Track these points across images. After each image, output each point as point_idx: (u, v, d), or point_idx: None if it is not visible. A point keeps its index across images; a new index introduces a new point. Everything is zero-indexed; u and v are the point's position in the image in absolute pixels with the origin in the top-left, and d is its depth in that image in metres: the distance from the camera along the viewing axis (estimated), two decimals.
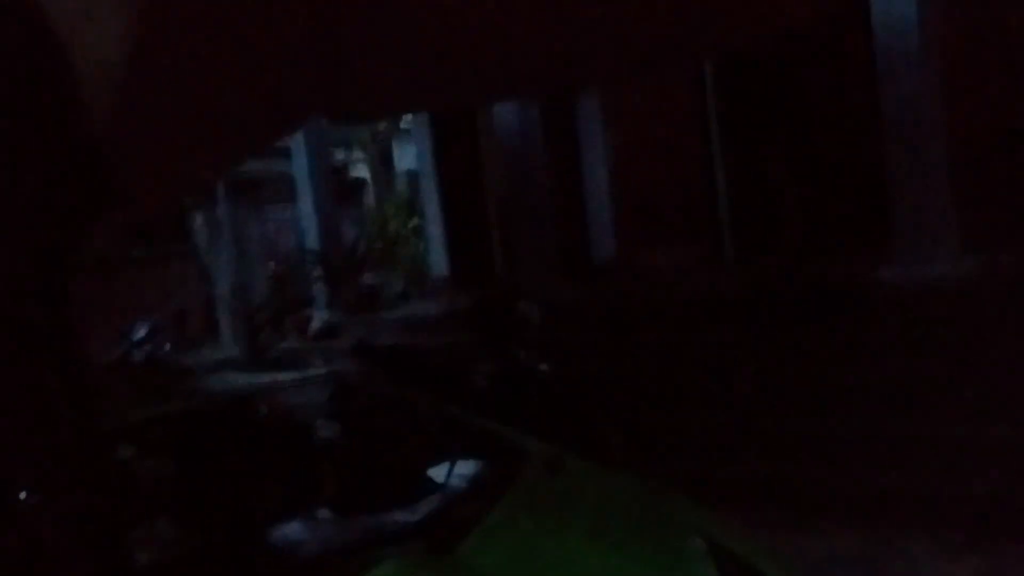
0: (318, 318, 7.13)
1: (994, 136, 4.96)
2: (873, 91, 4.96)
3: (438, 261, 7.84)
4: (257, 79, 1.99)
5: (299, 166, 8.01)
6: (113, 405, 3.29)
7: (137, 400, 3.57)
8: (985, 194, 4.93)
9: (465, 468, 2.88)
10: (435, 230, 7.89)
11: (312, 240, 7.76)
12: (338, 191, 8.96)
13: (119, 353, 6.99)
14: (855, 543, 3.82)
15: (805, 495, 4.10)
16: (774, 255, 5.91)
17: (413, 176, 9.17)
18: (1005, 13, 4.90)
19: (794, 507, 4.01)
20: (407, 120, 9.23)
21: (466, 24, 2.19)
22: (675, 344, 5.16)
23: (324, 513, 2.65)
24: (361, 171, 11.58)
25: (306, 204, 7.89)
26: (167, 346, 7.29)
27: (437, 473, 2.86)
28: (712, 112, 6.40)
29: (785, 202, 6.00)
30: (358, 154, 11.39)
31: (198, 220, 7.89)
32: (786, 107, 6.03)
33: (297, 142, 7.93)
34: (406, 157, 10.16)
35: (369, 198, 10.81)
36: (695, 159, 6.52)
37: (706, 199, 6.49)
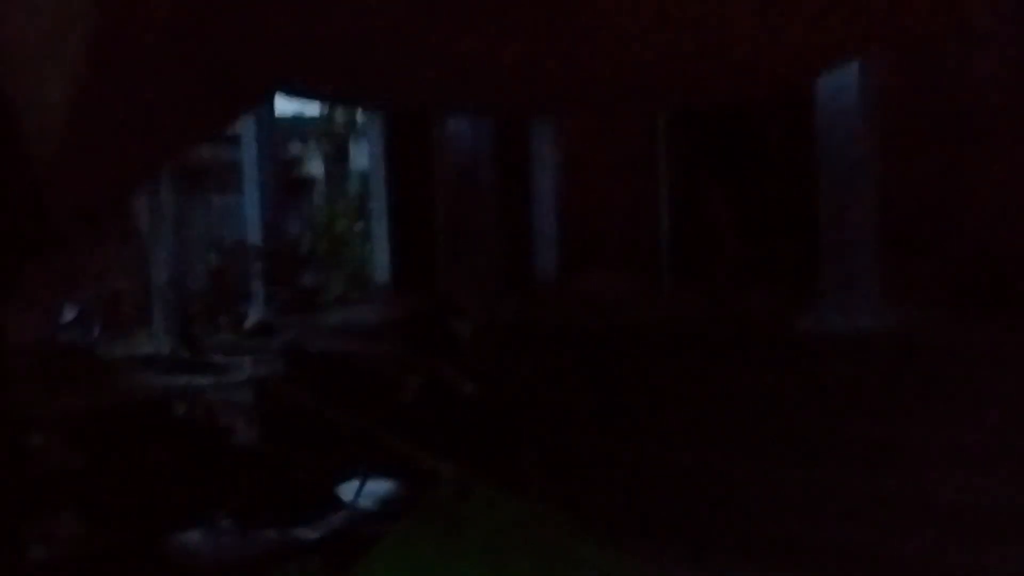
0: (253, 315, 7.06)
1: (926, 193, 5.15)
2: (816, 145, 5.12)
3: (381, 267, 7.82)
4: (195, 63, 1.98)
5: (248, 156, 7.93)
6: (30, 391, 3.24)
7: (55, 388, 3.51)
8: (912, 250, 5.11)
9: (373, 487, 2.91)
10: (380, 234, 7.87)
11: (255, 234, 7.69)
12: (287, 185, 8.88)
13: (45, 334, 6.84)
14: None
15: (713, 532, 4.19)
16: (707, 291, 6.04)
17: (366, 177, 9.14)
18: (944, 75, 5.09)
19: (702, 544, 4.09)
20: (363, 118, 9.20)
21: (430, 27, 2.20)
22: (607, 371, 5.23)
23: (227, 523, 2.65)
24: (315, 167, 11.49)
25: (252, 196, 7.82)
26: (96, 331, 7.16)
27: (345, 490, 2.88)
28: (661, 143, 6.52)
29: (722, 240, 6.13)
30: (313, 149, 11.31)
31: (140, 203, 7.77)
32: (732, 148, 6.17)
33: (248, 131, 7.85)
34: (361, 157, 10.12)
35: (319, 195, 10.74)
36: (641, 188, 6.63)
37: (649, 228, 6.60)
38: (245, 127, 7.87)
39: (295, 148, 10.99)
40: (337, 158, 11.04)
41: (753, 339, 4.92)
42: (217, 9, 1.89)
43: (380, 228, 7.95)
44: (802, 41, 2.51)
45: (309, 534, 2.49)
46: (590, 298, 6.68)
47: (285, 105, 9.00)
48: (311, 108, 10.47)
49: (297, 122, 10.73)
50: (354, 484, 2.94)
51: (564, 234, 7.12)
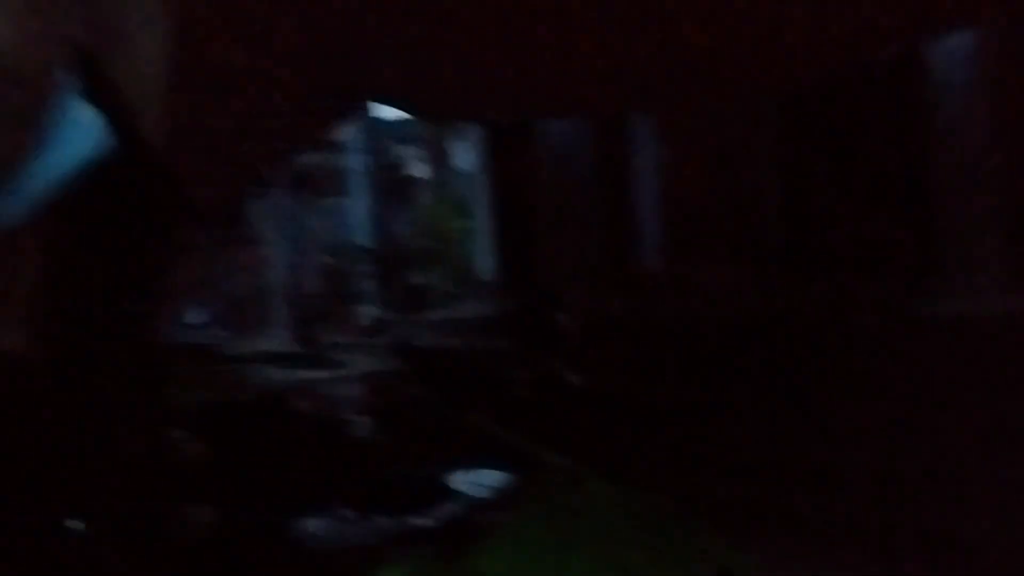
0: (366, 314, 7.27)
1: None
2: (930, 124, 4.92)
3: (485, 263, 7.92)
4: (299, 72, 2.07)
5: (354, 161, 8.17)
6: (165, 388, 3.44)
7: (187, 385, 3.70)
8: None
9: (485, 478, 2.96)
10: (484, 232, 7.98)
11: (363, 235, 7.90)
12: (393, 187, 9.10)
13: (174, 335, 7.21)
14: None
15: (834, 525, 4.10)
16: (819, 280, 5.88)
17: (469, 176, 9.28)
18: None
19: (824, 537, 4.01)
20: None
21: (527, 39, 2.24)
22: (715, 363, 5.17)
23: (345, 511, 2.75)
24: (419, 168, 11.72)
25: (359, 199, 8.04)
26: (219, 330, 7.51)
27: (457, 480, 2.94)
28: (769, 129, 6.39)
29: (834, 228, 5.96)
30: (416, 151, 11.54)
31: (257, 209, 8.10)
32: (843, 131, 5.99)
33: (353, 137, 8.08)
34: (464, 156, 10.27)
35: (424, 196, 10.96)
36: (748, 176, 6.51)
37: (757, 217, 6.47)
38: (350, 132, 8.10)
39: (399, 150, 11.24)
40: (440, 159, 11.24)
41: (870, 326, 4.78)
42: (328, 27, 1.97)
43: (484, 226, 8.06)
44: (905, 8, 2.43)
45: (423, 522, 2.57)
46: (697, 290, 6.60)
47: (387, 109, 9.22)
48: None
49: (400, 125, 10.98)
50: (466, 474, 3.01)
51: (668, 226, 7.06)
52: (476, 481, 2.96)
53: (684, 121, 6.78)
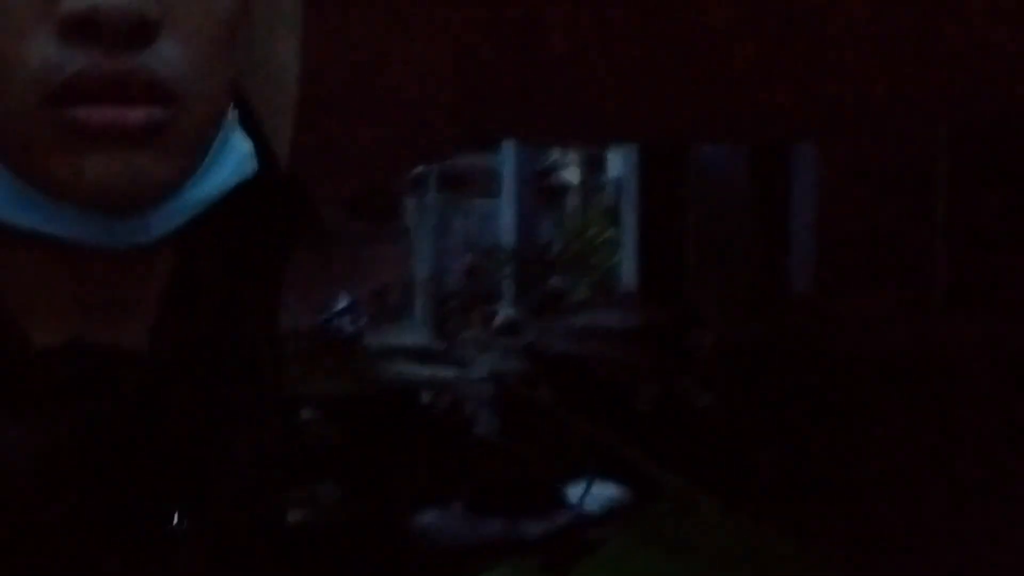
0: (502, 314, 7.36)
1: None
2: None
3: (629, 274, 7.86)
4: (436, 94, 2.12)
5: (506, 163, 8.28)
6: (301, 372, 3.60)
7: (323, 371, 3.86)
8: None
9: (600, 491, 2.95)
10: (630, 241, 7.91)
11: (510, 237, 8.00)
12: (543, 191, 9.16)
13: (320, 321, 7.54)
14: None
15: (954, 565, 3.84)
16: (978, 319, 5.50)
17: (620, 185, 9.23)
18: None
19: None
20: None
21: (688, 64, 2.21)
22: (854, 395, 4.92)
23: (459, 508, 2.80)
24: (571, 174, 11.77)
25: (508, 201, 8.15)
26: (363, 320, 7.79)
27: (571, 491, 2.94)
28: (939, 158, 6.03)
29: (1004, 257, 5.56)
30: (570, 157, 11.59)
31: (408, 205, 8.36)
32: (1014, 167, 5.58)
33: (507, 139, 8.19)
34: (617, 164, 10.23)
35: (574, 202, 10.98)
36: (913, 204, 6.17)
37: (921, 247, 6.13)
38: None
39: (552, 154, 11.31)
40: (593, 166, 11.24)
41: None
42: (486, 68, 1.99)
43: (631, 235, 7.99)
44: None
45: (533, 529, 2.58)
46: (849, 319, 6.30)
47: None
48: None
49: None
50: (581, 486, 3.00)
51: (823, 251, 6.78)
52: (590, 494, 2.95)
53: (847, 148, 6.50)
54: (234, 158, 0.58)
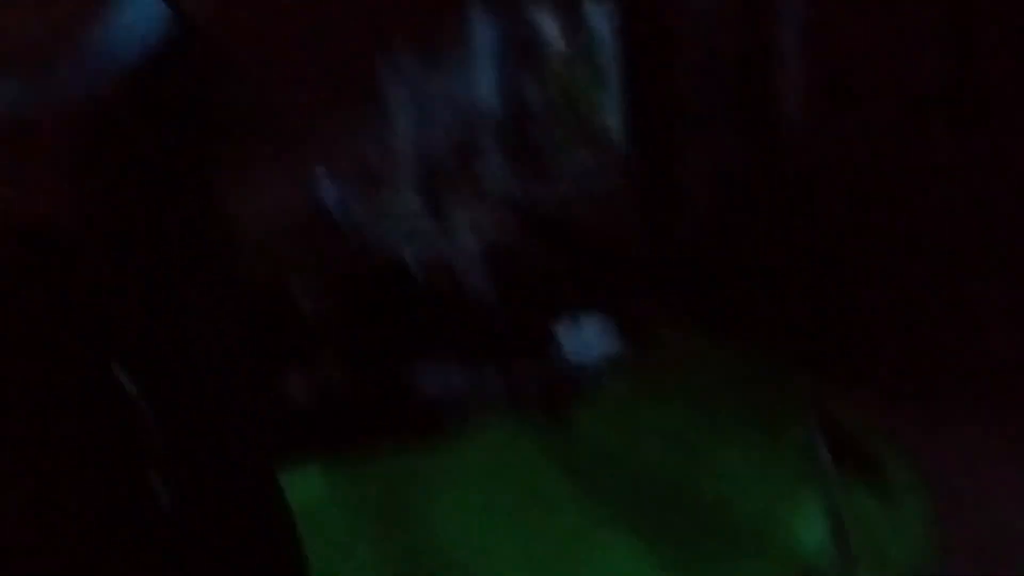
0: (492, 181, 7.27)
1: None
2: None
3: (616, 133, 7.71)
4: None
5: (486, 25, 7.99)
6: (293, 254, 3.58)
7: (316, 250, 3.81)
8: None
9: (594, 340, 2.94)
10: (614, 100, 7.73)
11: (494, 101, 7.81)
12: (524, 52, 8.88)
13: (301, 197, 7.46)
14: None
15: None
16: (982, 136, 5.38)
17: (603, 41, 8.94)
18: None
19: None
20: None
21: None
22: (860, 223, 4.82)
23: (453, 361, 2.80)
24: (552, 31, 11.41)
25: (487, 61, 7.90)
26: (350, 197, 7.71)
27: (565, 337, 2.93)
28: None
29: (997, 80, 5.40)
30: (549, 14, 11.20)
31: (385, 75, 8.12)
32: None
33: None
34: (599, 19, 9.89)
35: (558, 62, 10.69)
36: (908, 21, 5.91)
37: (911, 68, 5.93)
38: None
39: (532, 13, 10.93)
40: (574, 21, 10.88)
41: None
42: None
43: (614, 95, 7.80)
44: None
45: (528, 378, 2.60)
46: (840, 141, 6.18)
47: None
48: None
49: None
50: (576, 335, 3.01)
51: (813, 73, 6.58)
52: (585, 343, 2.96)
53: None
54: (142, 15, 0.55)
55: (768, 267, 4.25)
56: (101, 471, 0.54)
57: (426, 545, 1.94)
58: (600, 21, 9.48)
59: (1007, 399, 3.81)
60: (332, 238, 4.22)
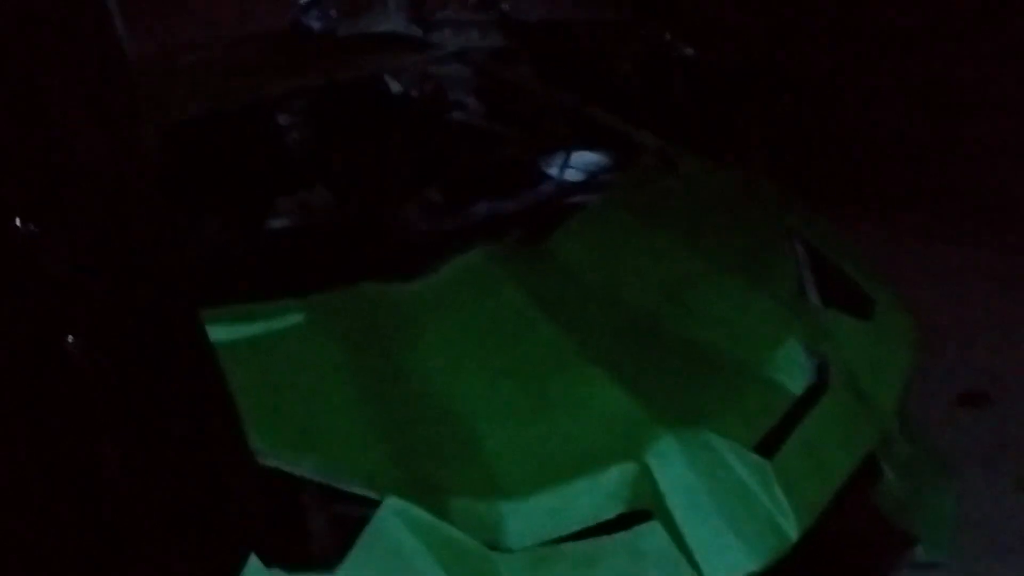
0: None
1: None
2: None
3: None
4: None
5: None
6: (271, 70, 3.41)
7: (296, 68, 3.63)
8: None
9: (581, 161, 2.86)
10: None
11: None
12: None
13: (289, 19, 7.12)
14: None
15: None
16: None
17: None
18: None
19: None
20: None
21: None
22: (848, 28, 4.62)
23: (435, 195, 2.74)
24: None
25: None
26: (333, 12, 7.35)
27: (549, 164, 2.86)
28: None
29: None
30: None
31: None
32: None
33: None
34: None
35: None
36: None
37: None
38: None
39: None
40: None
41: None
42: None
43: None
44: None
45: (514, 207, 2.53)
46: None
47: None
48: None
49: None
50: (562, 158, 2.91)
51: None
52: (572, 165, 2.87)
53: None
54: None
55: (763, 91, 4.06)
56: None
57: (400, 371, 1.94)
58: None
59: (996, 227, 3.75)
60: (316, 60, 4.03)
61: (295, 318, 2.07)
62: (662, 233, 2.31)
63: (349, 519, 1.69)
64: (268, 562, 1.64)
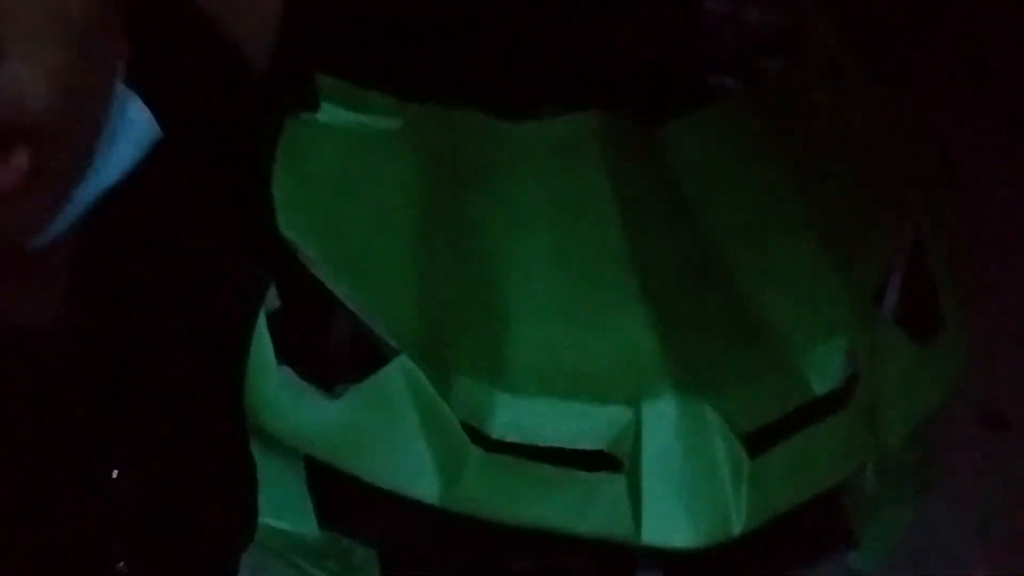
0: None
1: None
2: None
3: None
4: None
5: None
6: None
7: None
8: None
9: (738, 39, 2.60)
10: None
11: None
12: None
13: None
14: None
15: None
16: None
17: None
18: None
19: None
20: None
21: None
22: None
23: (578, 34, 2.54)
24: None
25: None
26: None
27: (711, 38, 2.58)
28: None
29: None
30: None
31: None
32: None
33: None
34: None
35: None
36: None
37: None
38: None
39: None
40: None
41: None
42: None
43: None
44: None
45: (655, 73, 2.36)
46: None
47: None
48: None
49: None
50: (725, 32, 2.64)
51: None
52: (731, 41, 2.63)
53: None
54: (131, 137, 0.52)
55: None
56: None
57: (463, 218, 1.96)
58: None
59: None
60: None
61: (392, 123, 2.05)
62: (778, 162, 2.16)
63: (366, 350, 1.82)
64: (284, 360, 1.80)
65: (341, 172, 1.99)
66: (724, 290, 2.00)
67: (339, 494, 1.88)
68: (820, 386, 1.95)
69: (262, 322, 1.83)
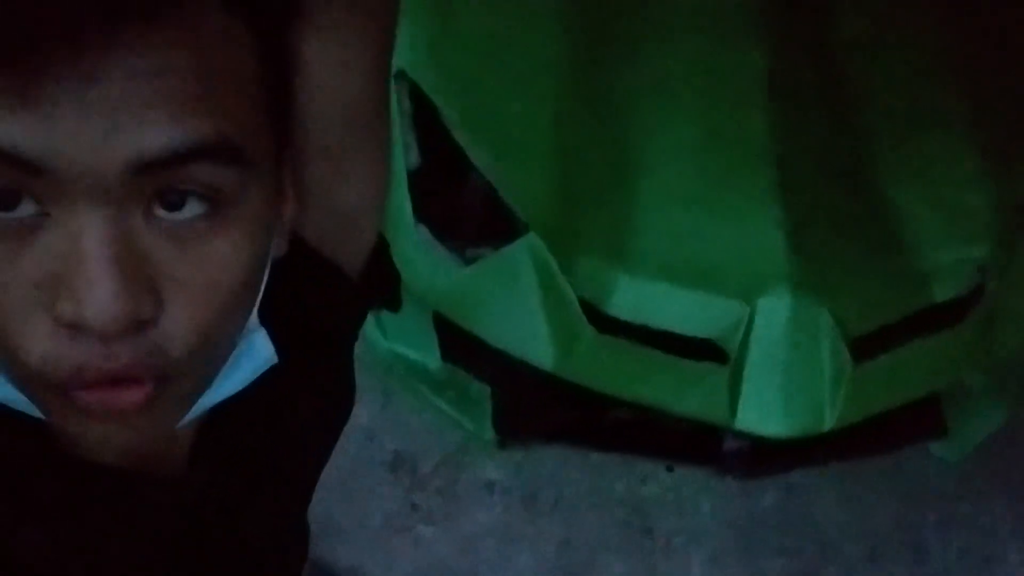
0: None
1: None
2: None
3: None
4: None
5: None
6: None
7: None
8: None
9: None
10: None
11: None
12: None
13: None
14: None
15: None
16: None
17: None
18: None
19: None
20: None
21: None
22: None
23: None
24: None
25: None
26: None
27: None
28: None
29: None
30: None
31: None
32: None
33: None
34: None
35: None
36: None
37: None
38: None
39: None
40: None
41: None
42: None
43: None
44: None
45: None
46: None
47: None
48: None
49: None
50: None
51: None
52: None
53: None
54: (253, 364, 0.57)
55: None
56: None
57: (611, 70, 1.92)
58: None
59: None
60: None
61: None
62: (948, 49, 2.00)
63: (498, 219, 1.88)
64: (420, 218, 1.89)
65: (489, 34, 1.95)
66: (864, 192, 1.94)
67: (462, 336, 2.02)
68: (942, 293, 1.93)
69: (403, 178, 1.92)
